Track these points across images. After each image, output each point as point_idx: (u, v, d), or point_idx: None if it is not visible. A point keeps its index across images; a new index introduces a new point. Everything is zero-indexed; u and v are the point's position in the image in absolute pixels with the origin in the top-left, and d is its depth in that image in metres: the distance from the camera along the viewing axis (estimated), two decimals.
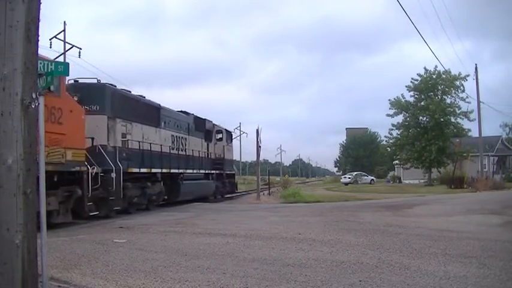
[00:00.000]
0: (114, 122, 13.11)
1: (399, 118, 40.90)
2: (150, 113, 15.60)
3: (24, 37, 3.25)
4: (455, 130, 39.14)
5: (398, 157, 45.32)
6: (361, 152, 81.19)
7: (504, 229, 9.39)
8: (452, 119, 39.30)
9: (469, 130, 40.35)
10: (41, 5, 3.45)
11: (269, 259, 6.16)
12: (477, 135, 36.86)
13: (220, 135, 23.02)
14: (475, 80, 35.48)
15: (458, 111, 38.71)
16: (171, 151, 16.77)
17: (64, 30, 30.76)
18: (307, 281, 4.98)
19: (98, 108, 12.47)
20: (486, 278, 5.09)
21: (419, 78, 39.45)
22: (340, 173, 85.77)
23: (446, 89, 39.10)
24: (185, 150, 18.25)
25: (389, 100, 40.65)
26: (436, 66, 38.94)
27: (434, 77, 38.97)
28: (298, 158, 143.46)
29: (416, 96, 40.00)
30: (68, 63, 5.50)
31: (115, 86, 14.08)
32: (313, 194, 27.11)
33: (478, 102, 34.93)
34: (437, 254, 6.40)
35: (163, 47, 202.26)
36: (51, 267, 5.09)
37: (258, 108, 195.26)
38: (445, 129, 38.77)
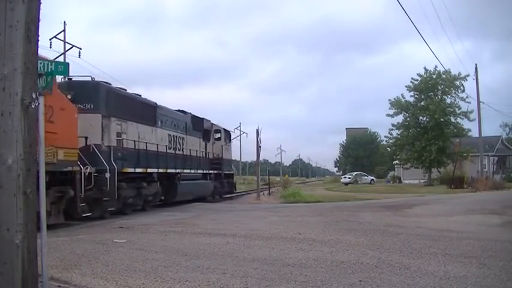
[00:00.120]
0: (109, 121, 12.89)
1: (399, 118, 40.97)
2: (146, 112, 15.37)
3: (24, 37, 3.25)
4: (455, 130, 39.14)
5: (398, 157, 45.31)
6: (361, 152, 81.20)
7: (504, 229, 9.39)
8: (452, 119, 39.31)
9: (469, 130, 40.45)
10: (41, 5, 3.45)
11: (269, 259, 6.16)
12: (477, 135, 36.91)
13: (218, 135, 22.81)
14: (475, 80, 35.54)
15: (458, 111, 38.73)
16: (168, 151, 16.54)
17: (64, 30, 30.78)
18: (307, 281, 4.98)
19: (92, 106, 12.23)
20: (486, 278, 5.09)
21: (419, 78, 39.46)
22: (340, 173, 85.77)
23: (446, 89, 39.10)
24: (182, 150, 18.04)
25: (389, 100, 40.71)
26: (436, 66, 39.01)
27: (434, 77, 38.95)
28: (298, 158, 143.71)
29: (416, 96, 40.00)
30: (68, 63, 5.50)
31: (110, 84, 13.88)
32: (313, 194, 27.12)
33: (478, 102, 34.99)
34: (437, 254, 6.40)
35: (163, 47, 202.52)
36: (51, 267, 5.09)
37: (258, 108, 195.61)
38: (445, 129, 38.76)
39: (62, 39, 30.51)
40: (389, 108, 40.69)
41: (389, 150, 48.65)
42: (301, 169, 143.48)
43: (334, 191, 32.42)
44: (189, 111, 19.94)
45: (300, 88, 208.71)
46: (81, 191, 10.55)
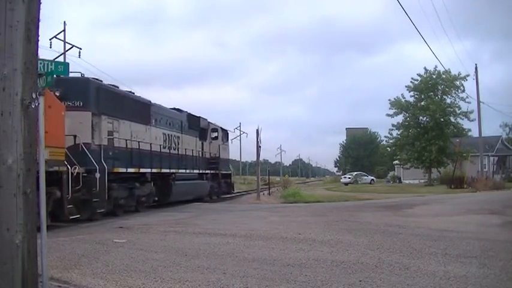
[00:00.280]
0: (99, 119, 12.48)
1: (399, 118, 40.94)
2: (139, 110, 14.94)
3: (24, 37, 3.25)
4: (455, 130, 39.15)
5: (398, 157, 45.29)
6: (361, 152, 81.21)
7: (504, 229, 9.40)
8: (452, 119, 39.31)
9: (469, 130, 40.42)
10: (41, 5, 3.46)
11: (269, 259, 6.16)
12: (477, 135, 36.93)
13: (215, 134, 22.36)
14: (475, 80, 35.58)
15: (458, 111, 38.73)
16: (162, 150, 16.15)
17: (64, 30, 30.85)
18: (307, 281, 4.98)
19: (81, 104, 11.76)
20: (486, 278, 5.09)
21: (419, 78, 39.44)
22: (340, 173, 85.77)
23: (446, 89, 39.09)
24: (178, 149, 17.66)
25: (389, 100, 40.69)
26: (436, 66, 38.97)
27: (434, 77, 38.93)
28: (298, 158, 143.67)
29: (416, 96, 39.98)
30: (68, 63, 5.51)
31: (101, 81, 13.46)
32: (313, 194, 27.12)
33: (478, 102, 35.00)
34: (437, 254, 6.40)
35: (164, 47, 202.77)
36: (51, 267, 5.08)
37: (258, 108, 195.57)
38: (445, 129, 38.77)
39: (62, 39, 30.61)
40: (389, 108, 40.74)
41: (389, 150, 48.58)
42: (301, 169, 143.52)
43: (334, 191, 32.43)
44: (185, 110, 19.49)
45: (300, 88, 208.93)
46: (69, 192, 10.08)
